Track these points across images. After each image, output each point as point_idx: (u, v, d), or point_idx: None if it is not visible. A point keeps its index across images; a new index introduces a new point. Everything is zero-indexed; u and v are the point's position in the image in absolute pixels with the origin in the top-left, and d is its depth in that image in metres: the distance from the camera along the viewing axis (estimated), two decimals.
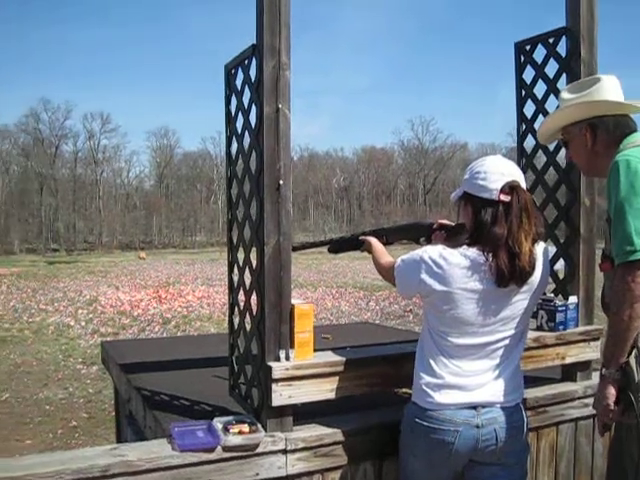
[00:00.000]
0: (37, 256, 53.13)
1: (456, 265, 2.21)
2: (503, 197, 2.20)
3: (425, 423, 2.28)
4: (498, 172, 2.23)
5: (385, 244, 2.80)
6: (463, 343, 2.26)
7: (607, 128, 2.36)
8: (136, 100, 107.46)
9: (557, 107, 2.65)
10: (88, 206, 72.04)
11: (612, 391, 2.14)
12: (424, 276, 2.25)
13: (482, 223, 2.22)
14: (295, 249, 2.87)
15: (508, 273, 2.16)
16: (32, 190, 68.30)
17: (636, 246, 2.04)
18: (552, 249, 3.38)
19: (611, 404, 2.15)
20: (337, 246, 2.98)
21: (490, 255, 2.18)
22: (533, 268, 2.22)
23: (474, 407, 2.25)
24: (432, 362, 2.31)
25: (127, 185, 79.23)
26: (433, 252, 2.26)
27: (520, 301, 2.27)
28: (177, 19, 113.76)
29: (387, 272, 2.52)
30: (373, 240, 2.79)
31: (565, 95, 2.52)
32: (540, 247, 2.31)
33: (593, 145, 2.39)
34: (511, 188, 2.21)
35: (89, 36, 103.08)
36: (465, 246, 2.24)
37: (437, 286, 2.23)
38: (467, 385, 2.27)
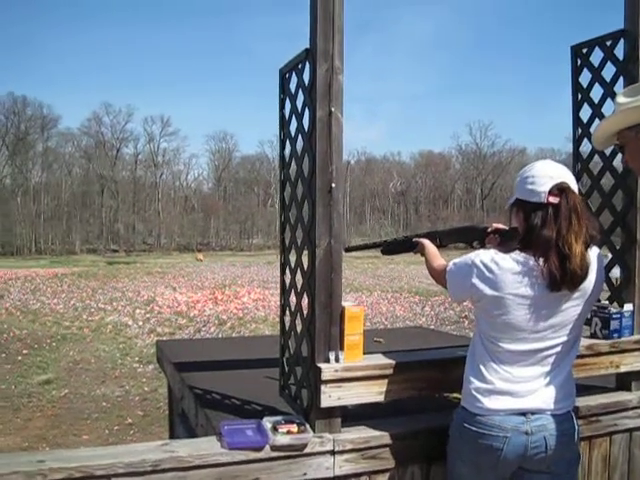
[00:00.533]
0: (97, 256, 54.28)
1: (508, 270, 2.20)
2: (552, 199, 2.18)
3: (474, 428, 2.27)
4: (546, 175, 2.22)
5: (439, 247, 2.80)
6: (514, 349, 2.25)
7: None
8: (196, 104, 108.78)
9: (613, 111, 2.60)
10: (147, 208, 73.27)
11: None
12: (475, 280, 2.25)
13: (532, 227, 2.20)
14: (349, 250, 2.89)
15: (559, 276, 2.14)
16: (93, 192, 69.79)
17: None
18: (608, 256, 3.34)
19: None
20: (390, 248, 2.98)
21: (541, 259, 2.16)
22: (586, 272, 2.18)
23: (524, 414, 2.24)
24: (482, 367, 2.30)
25: (186, 188, 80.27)
26: (485, 256, 2.25)
27: (572, 307, 2.24)
28: (236, 23, 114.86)
29: (439, 275, 2.52)
30: (426, 242, 2.78)
31: (621, 99, 2.46)
32: (594, 252, 2.27)
33: None
34: (560, 190, 2.19)
35: (148, 40, 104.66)
36: (517, 251, 2.22)
37: (488, 291, 2.22)
38: (517, 391, 2.25)
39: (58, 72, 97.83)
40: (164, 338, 12.67)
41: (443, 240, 2.85)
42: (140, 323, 15.50)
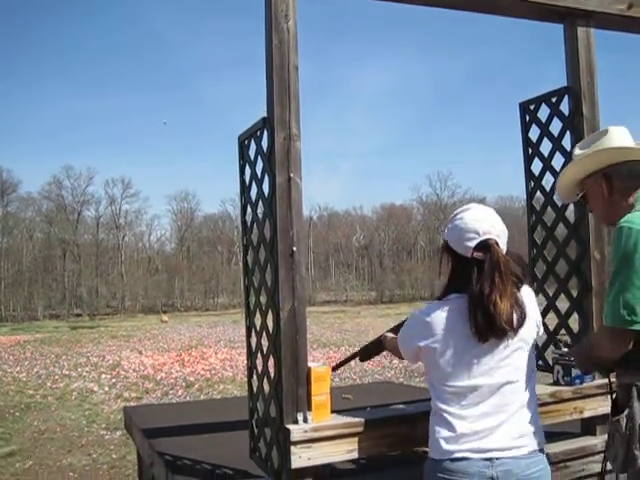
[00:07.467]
0: (60, 321, 53.32)
1: (437, 316, 2.28)
2: (477, 255, 2.25)
3: (440, 475, 2.26)
4: (474, 230, 2.27)
5: None
6: (460, 385, 2.26)
7: (621, 176, 2.38)
8: (156, 163, 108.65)
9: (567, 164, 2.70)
10: (110, 271, 72.39)
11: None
12: (414, 338, 2.36)
13: (458, 278, 2.29)
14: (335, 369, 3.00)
15: (485, 332, 2.20)
16: (55, 256, 68.91)
17: (623, 315, 2.14)
18: (565, 305, 3.43)
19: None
20: (367, 352, 3.05)
21: (469, 311, 2.22)
22: (512, 325, 2.22)
23: (489, 459, 2.22)
24: (441, 413, 2.31)
25: (149, 249, 79.67)
26: (416, 314, 2.38)
27: (509, 347, 2.26)
28: (193, 78, 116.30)
29: (396, 349, 2.60)
30: (388, 334, 2.88)
31: (577, 151, 2.56)
32: (524, 292, 2.33)
33: (610, 194, 2.41)
34: (485, 247, 2.25)
35: (107, 102, 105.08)
36: (449, 295, 2.30)
37: (423, 342, 2.30)
38: (477, 431, 2.25)
39: (18, 137, 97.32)
40: (131, 403, 12.48)
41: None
42: (106, 388, 15.22)
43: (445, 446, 2.27)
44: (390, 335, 2.86)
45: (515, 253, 2.37)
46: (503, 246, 2.30)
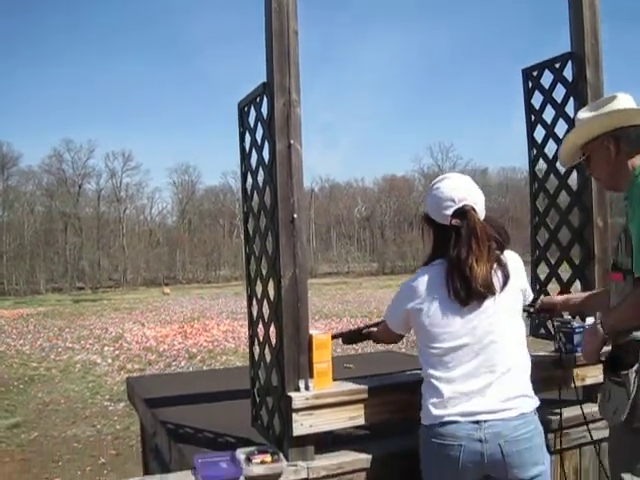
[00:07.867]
0: (63, 295, 53.46)
1: (422, 280, 2.37)
2: (454, 222, 2.32)
3: (433, 440, 2.30)
4: (450, 198, 2.34)
5: None
6: (447, 346, 2.32)
7: (629, 138, 2.43)
8: (156, 136, 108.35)
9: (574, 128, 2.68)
10: (112, 244, 72.23)
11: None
12: (403, 303, 2.45)
13: (439, 245, 2.37)
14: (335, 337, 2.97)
15: (464, 295, 2.27)
16: (57, 230, 68.78)
17: None
18: (566, 274, 3.41)
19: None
20: (349, 338, 3.10)
21: (448, 276, 2.30)
22: (491, 288, 2.29)
23: (477, 422, 2.25)
24: (429, 379, 2.36)
25: (150, 222, 79.53)
26: (405, 283, 2.47)
27: (491, 307, 2.32)
28: (194, 52, 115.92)
29: (387, 329, 2.67)
30: (373, 329, 2.95)
31: (582, 115, 2.57)
32: (507, 255, 2.39)
33: (617, 155, 2.45)
34: (461, 213, 2.32)
35: (107, 76, 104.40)
36: (432, 262, 2.39)
37: (411, 304, 2.38)
38: (466, 392, 2.29)
39: (18, 110, 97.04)
40: (134, 374, 12.54)
41: None
42: (109, 360, 15.32)
43: (434, 411, 2.32)
44: (375, 328, 2.93)
45: (493, 218, 2.43)
46: (481, 212, 2.37)
